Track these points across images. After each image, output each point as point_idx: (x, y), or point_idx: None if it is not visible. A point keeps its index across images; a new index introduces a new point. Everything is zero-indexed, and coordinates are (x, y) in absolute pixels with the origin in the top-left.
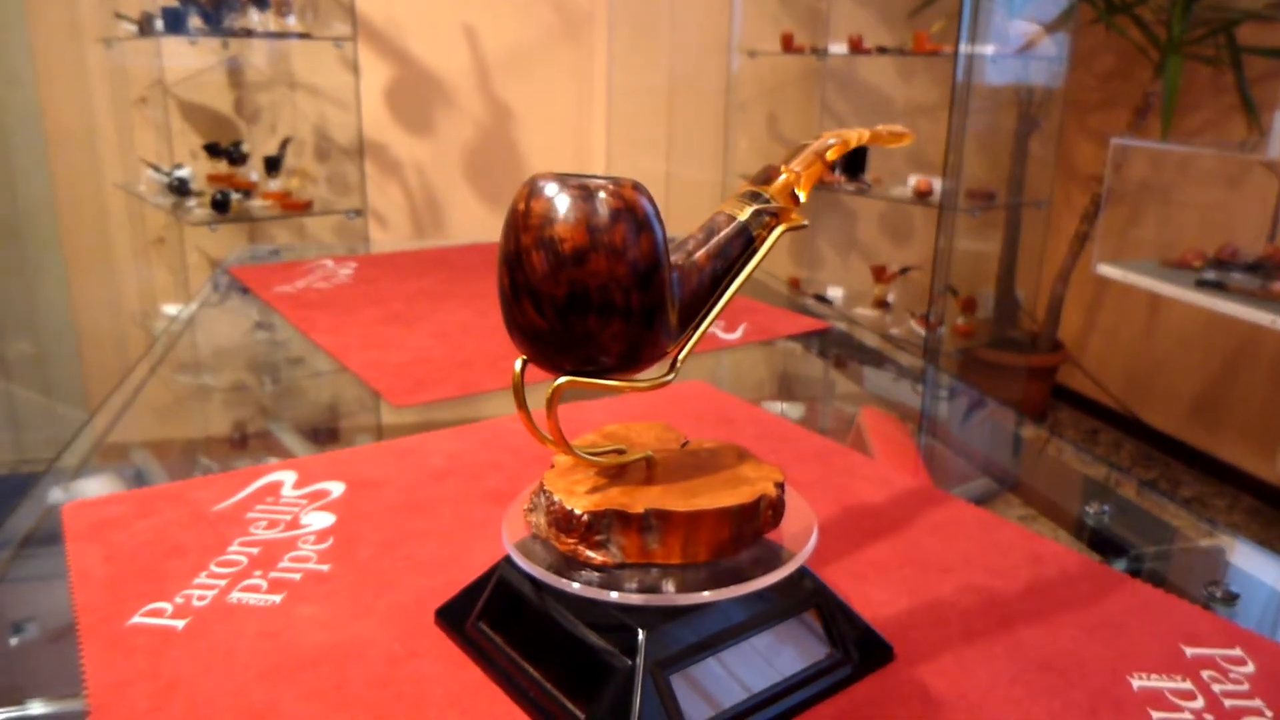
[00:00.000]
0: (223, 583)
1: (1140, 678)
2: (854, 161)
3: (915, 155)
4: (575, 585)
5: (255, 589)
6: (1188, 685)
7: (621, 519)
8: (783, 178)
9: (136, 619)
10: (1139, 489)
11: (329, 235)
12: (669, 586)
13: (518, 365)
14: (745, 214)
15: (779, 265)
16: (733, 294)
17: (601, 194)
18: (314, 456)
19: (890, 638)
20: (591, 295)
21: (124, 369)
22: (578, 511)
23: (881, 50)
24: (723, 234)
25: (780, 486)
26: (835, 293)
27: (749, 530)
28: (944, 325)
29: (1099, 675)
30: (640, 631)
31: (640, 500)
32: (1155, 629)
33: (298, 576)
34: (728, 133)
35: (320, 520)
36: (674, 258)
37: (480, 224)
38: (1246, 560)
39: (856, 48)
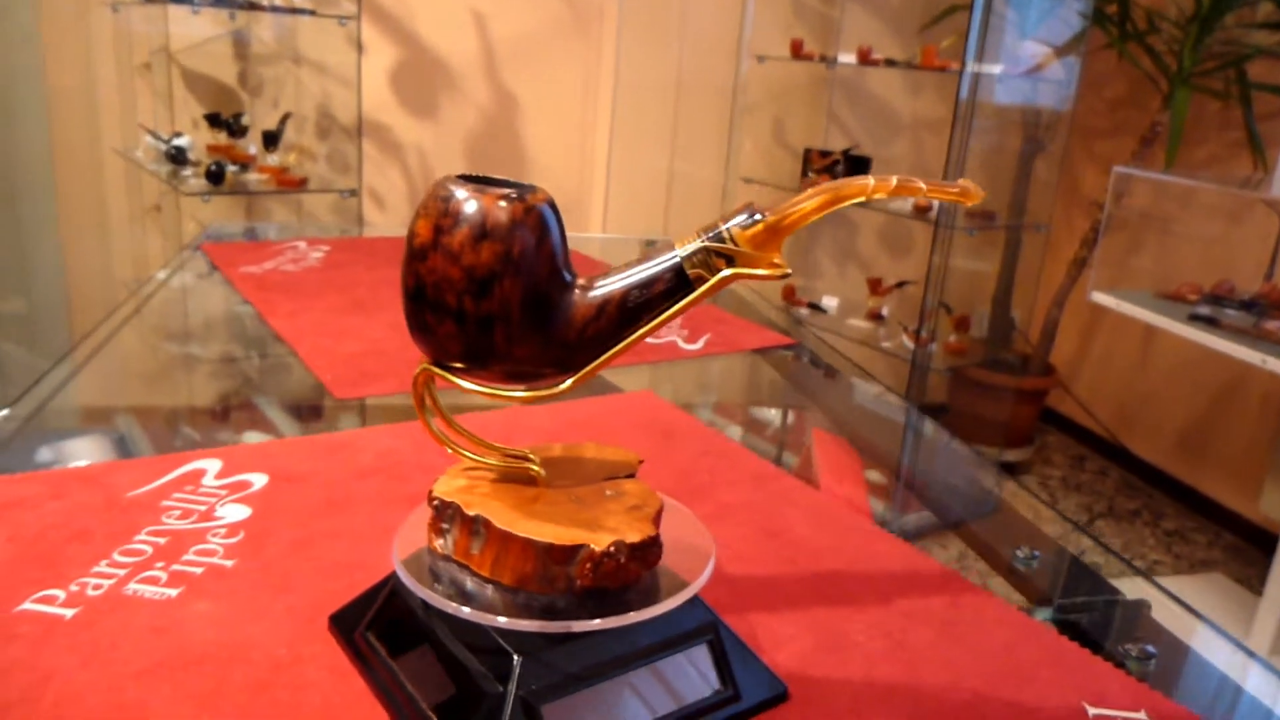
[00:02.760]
0: (122, 572)
1: None
2: (856, 169)
3: (917, 169)
4: (466, 610)
5: (154, 581)
6: None
7: (461, 514)
8: (760, 220)
9: (26, 605)
10: (1096, 543)
11: (325, 213)
12: (554, 612)
13: None
14: (685, 250)
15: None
16: (644, 333)
17: (459, 197)
18: (241, 446)
19: (789, 676)
20: (427, 291)
21: (110, 331)
22: (433, 494)
23: (890, 63)
24: (650, 266)
25: (624, 547)
26: (830, 302)
27: (560, 574)
28: (935, 342)
29: None
30: (516, 657)
31: (481, 505)
32: (1063, 684)
33: (199, 571)
34: (733, 134)
35: (235, 513)
36: (581, 280)
37: None
38: (1171, 617)
39: (865, 59)
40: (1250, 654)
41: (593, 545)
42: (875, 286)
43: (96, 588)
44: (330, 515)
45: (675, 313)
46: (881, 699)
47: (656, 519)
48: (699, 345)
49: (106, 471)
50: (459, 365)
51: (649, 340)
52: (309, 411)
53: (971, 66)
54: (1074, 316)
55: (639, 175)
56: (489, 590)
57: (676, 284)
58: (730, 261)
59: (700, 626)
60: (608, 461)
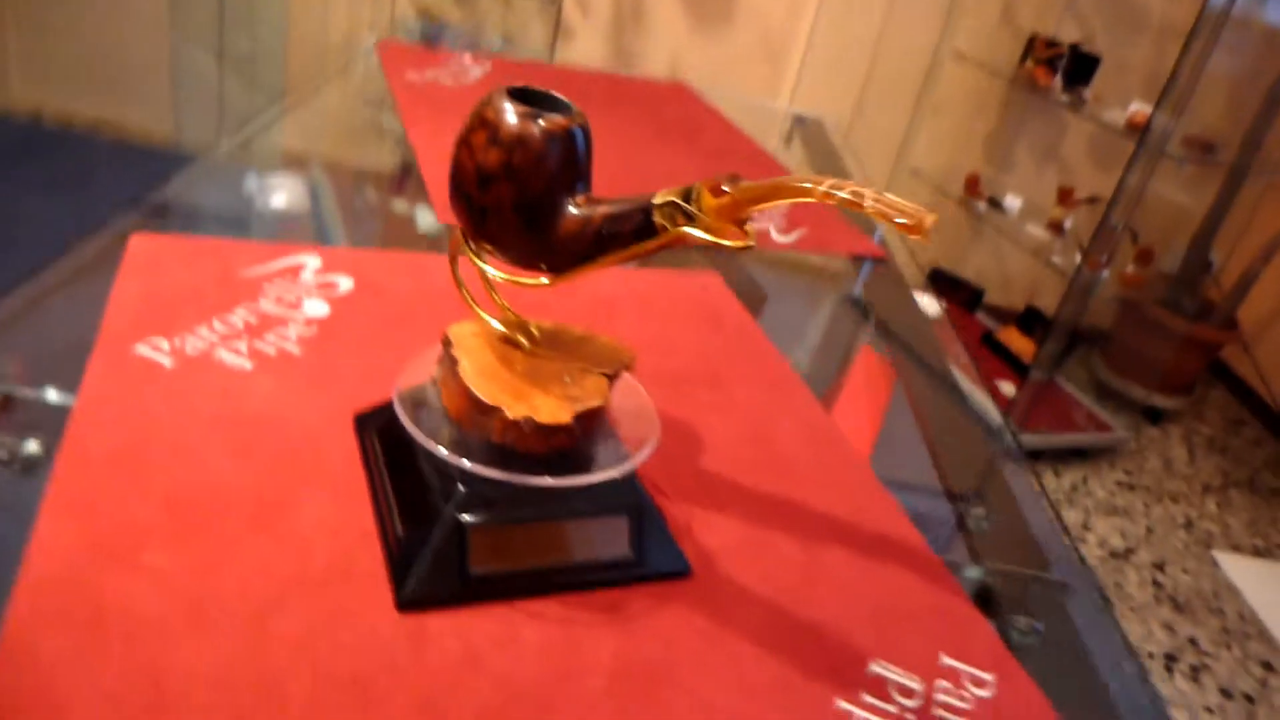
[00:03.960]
0: (215, 339)
1: (881, 665)
2: (1080, 68)
3: (1151, 79)
4: (441, 450)
5: (236, 352)
6: (917, 686)
7: (450, 353)
8: (729, 192)
9: (141, 347)
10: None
11: (530, 10)
12: (508, 467)
13: None
14: (658, 199)
15: (963, 158)
16: (612, 261)
17: (494, 105)
18: (341, 249)
19: (702, 560)
20: (455, 173)
21: (316, 86)
22: (446, 331)
23: None
24: (628, 205)
25: (531, 423)
26: (1013, 202)
27: (483, 424)
28: (1109, 269)
29: (847, 655)
30: (461, 486)
31: (465, 350)
32: (932, 631)
33: (273, 352)
34: (953, 7)
35: (316, 309)
36: (582, 197)
37: (674, 41)
38: (1083, 608)
39: None
40: (1131, 654)
41: (506, 411)
42: (1065, 196)
43: (194, 348)
44: (395, 327)
45: (631, 254)
46: (767, 599)
47: (583, 414)
48: (790, 239)
49: (230, 249)
50: (472, 239)
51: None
52: (416, 224)
53: None
54: (1276, 274)
55: (846, 31)
56: (442, 416)
57: (643, 227)
58: (691, 221)
59: (626, 503)
60: (603, 352)
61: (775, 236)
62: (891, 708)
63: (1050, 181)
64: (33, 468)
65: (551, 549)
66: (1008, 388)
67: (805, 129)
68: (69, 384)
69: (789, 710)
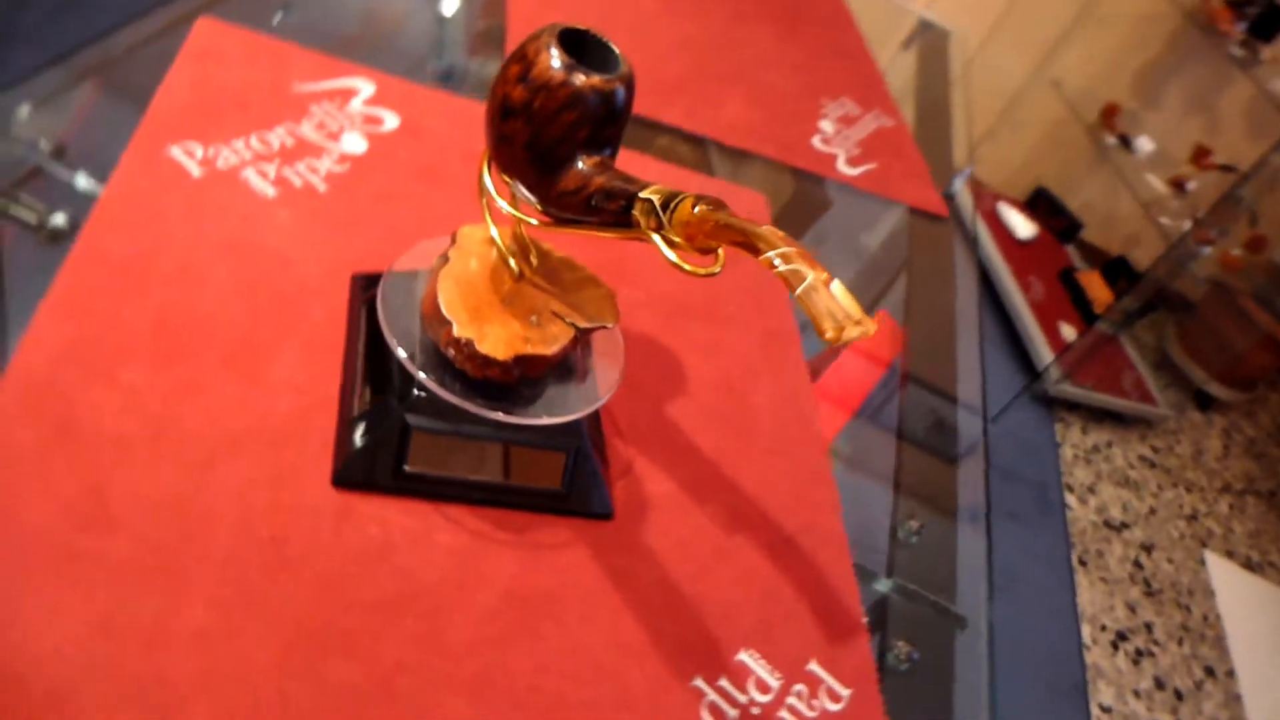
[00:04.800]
0: (248, 155)
1: (750, 655)
2: (1269, 21)
3: None
4: (401, 353)
5: (264, 175)
6: (775, 684)
7: (449, 250)
8: (698, 214)
9: (174, 149)
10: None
11: None
12: (465, 393)
13: None
14: (644, 192)
15: (1108, 84)
16: (591, 233)
17: (538, 43)
18: (398, 80)
19: (630, 505)
20: (490, 94)
21: None
22: (457, 229)
23: None
24: (622, 184)
25: (472, 347)
26: (1144, 145)
27: (436, 328)
28: (1213, 246)
29: (723, 636)
30: (415, 392)
31: (458, 254)
32: (811, 634)
33: (299, 183)
34: None
35: (354, 145)
36: (592, 158)
37: None
38: (968, 644)
39: None
40: (993, 692)
41: (455, 328)
42: (1200, 156)
43: (226, 160)
44: (430, 181)
45: (607, 235)
46: (672, 563)
47: (523, 358)
48: (856, 172)
49: (290, 55)
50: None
51: (816, 146)
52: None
53: None
54: None
55: None
56: (417, 315)
57: (624, 213)
58: (660, 229)
59: (568, 442)
60: (589, 304)
61: (841, 167)
62: (742, 698)
63: (1190, 135)
64: (57, 239)
65: (487, 466)
66: (1069, 331)
67: (929, 38)
68: (106, 168)
69: (647, 674)
